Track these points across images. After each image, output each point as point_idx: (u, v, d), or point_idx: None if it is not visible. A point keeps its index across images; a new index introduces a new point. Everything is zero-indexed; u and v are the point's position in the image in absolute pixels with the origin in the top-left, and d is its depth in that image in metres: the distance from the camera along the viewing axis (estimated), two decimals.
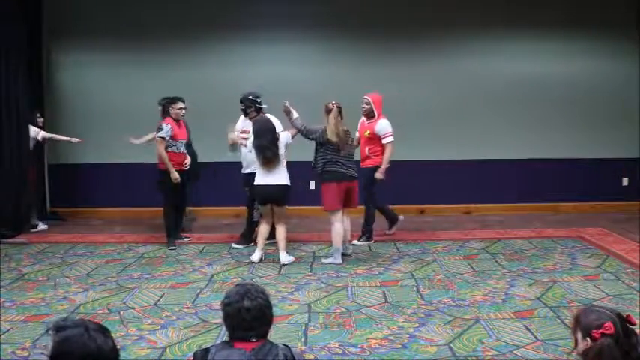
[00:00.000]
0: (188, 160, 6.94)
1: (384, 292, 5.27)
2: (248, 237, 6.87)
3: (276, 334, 4.21)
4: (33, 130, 7.74)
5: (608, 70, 8.72)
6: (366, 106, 6.74)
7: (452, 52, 8.67)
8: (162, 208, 6.98)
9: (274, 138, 6.15)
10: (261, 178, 6.19)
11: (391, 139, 6.72)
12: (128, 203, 8.49)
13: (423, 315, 4.71)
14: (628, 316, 2.22)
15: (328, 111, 6.17)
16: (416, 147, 8.60)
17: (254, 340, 2.29)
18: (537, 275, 5.70)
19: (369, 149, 6.71)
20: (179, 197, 6.97)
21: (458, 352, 4.02)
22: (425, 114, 8.64)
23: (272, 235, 6.53)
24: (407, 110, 8.50)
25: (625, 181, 8.92)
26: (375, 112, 6.71)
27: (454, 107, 8.67)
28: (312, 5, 8.52)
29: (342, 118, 6.24)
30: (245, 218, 7.03)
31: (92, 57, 8.66)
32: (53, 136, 7.94)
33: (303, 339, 4.28)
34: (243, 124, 6.74)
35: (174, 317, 4.74)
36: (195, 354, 2.34)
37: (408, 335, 4.31)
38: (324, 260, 6.26)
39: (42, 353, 3.92)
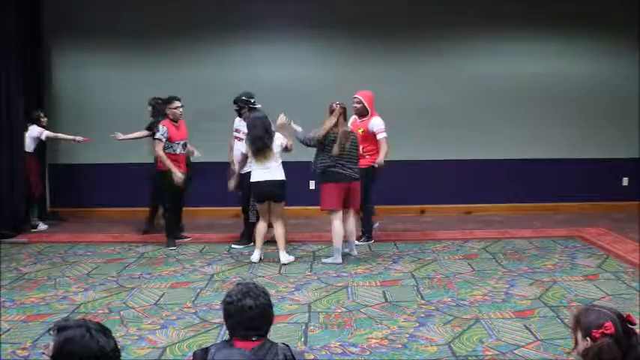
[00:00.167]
0: (194, 152, 6.96)
1: (384, 292, 5.27)
2: (247, 237, 6.87)
3: (276, 333, 4.20)
4: (36, 130, 7.74)
5: (608, 70, 8.72)
6: (358, 105, 6.75)
7: (452, 52, 8.66)
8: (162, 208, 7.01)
9: (267, 130, 6.16)
10: (258, 175, 6.19)
11: (385, 134, 6.70)
12: (128, 203, 8.48)
13: (423, 315, 4.71)
14: (628, 316, 2.22)
15: (331, 111, 6.20)
16: (416, 147, 8.60)
17: (254, 339, 2.29)
18: (537, 275, 5.70)
19: (364, 148, 6.68)
20: (178, 198, 6.97)
21: (458, 352, 4.02)
22: (425, 114, 8.64)
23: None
24: (407, 110, 8.51)
25: (625, 181, 8.91)
26: (368, 110, 6.71)
27: (454, 107, 8.67)
28: (312, 5, 8.51)
29: (345, 119, 6.25)
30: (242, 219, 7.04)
31: (92, 57, 8.66)
32: (57, 135, 7.95)
33: (303, 339, 4.28)
34: (239, 124, 6.76)
35: (175, 317, 4.74)
36: (195, 354, 2.34)
37: (408, 335, 4.31)
38: (324, 260, 6.26)
39: (43, 353, 3.93)
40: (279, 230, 6.27)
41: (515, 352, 4.00)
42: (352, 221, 6.40)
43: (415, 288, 5.38)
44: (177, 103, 6.81)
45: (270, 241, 6.55)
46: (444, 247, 6.83)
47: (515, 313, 4.72)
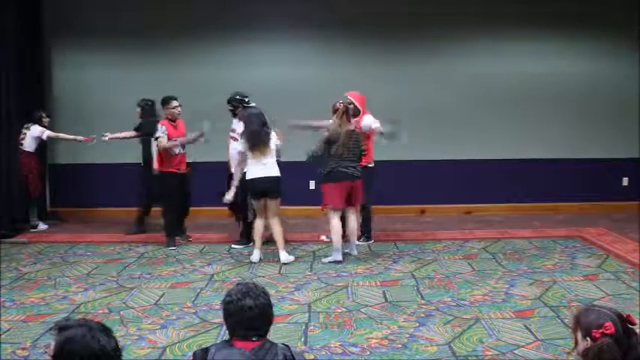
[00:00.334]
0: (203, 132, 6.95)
1: (384, 292, 5.27)
2: (247, 237, 6.87)
3: (276, 334, 4.20)
4: (38, 130, 7.75)
5: (608, 70, 8.72)
6: (350, 106, 6.75)
7: (452, 52, 8.67)
8: (162, 208, 7.01)
9: (263, 125, 6.17)
10: (254, 172, 6.19)
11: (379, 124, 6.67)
12: (128, 203, 8.47)
13: (423, 315, 4.71)
14: (628, 316, 2.22)
15: (335, 111, 6.21)
16: (416, 147, 8.60)
17: (254, 339, 2.29)
18: (537, 275, 5.70)
19: None
20: (179, 199, 6.97)
21: (458, 351, 4.03)
22: (425, 114, 8.64)
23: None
24: (407, 110, 8.50)
25: (625, 181, 8.91)
26: (360, 110, 6.72)
27: (454, 107, 8.67)
28: (312, 5, 8.51)
29: (348, 119, 6.26)
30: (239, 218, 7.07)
31: (92, 57, 8.66)
32: (59, 135, 7.96)
33: (303, 339, 4.28)
34: (235, 125, 6.75)
35: (175, 317, 4.74)
36: (194, 354, 2.34)
37: (408, 335, 4.31)
38: (324, 260, 6.26)
39: (44, 353, 3.93)
40: (276, 228, 6.28)
41: (515, 352, 4.00)
42: (354, 220, 6.41)
43: (415, 288, 5.38)
44: (174, 103, 6.82)
45: (270, 240, 6.54)
46: (444, 247, 6.83)
47: (515, 313, 4.72)
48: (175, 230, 7.04)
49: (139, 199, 7.66)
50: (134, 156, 7.97)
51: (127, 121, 7.83)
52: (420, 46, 8.63)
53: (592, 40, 8.72)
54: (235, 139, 6.64)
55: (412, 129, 8.53)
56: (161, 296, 5.25)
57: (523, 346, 4.08)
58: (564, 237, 7.17)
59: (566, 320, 4.45)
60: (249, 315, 2.29)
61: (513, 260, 6.22)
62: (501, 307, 4.85)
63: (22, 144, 7.71)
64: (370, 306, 4.94)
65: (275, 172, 6.23)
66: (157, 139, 6.73)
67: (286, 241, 6.46)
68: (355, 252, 6.41)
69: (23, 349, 4.12)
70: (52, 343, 1.94)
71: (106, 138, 7.53)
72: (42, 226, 7.90)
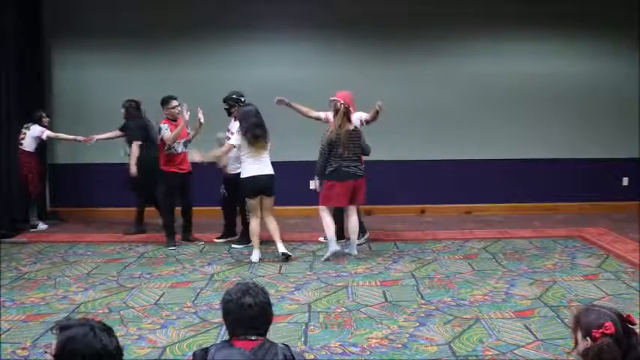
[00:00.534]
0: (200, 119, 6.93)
1: (384, 292, 5.27)
2: (247, 237, 6.86)
3: (276, 333, 4.21)
4: (38, 129, 7.75)
5: (608, 70, 8.71)
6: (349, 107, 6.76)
7: (452, 52, 8.66)
8: (162, 208, 7.02)
9: (260, 119, 6.18)
10: (250, 170, 6.19)
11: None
12: (128, 203, 8.47)
13: (423, 315, 4.71)
14: (628, 315, 2.22)
15: (336, 111, 6.24)
16: (416, 147, 8.60)
17: (253, 338, 2.30)
18: (537, 275, 5.70)
19: None
20: (180, 198, 6.98)
21: (458, 351, 4.03)
22: (425, 114, 8.64)
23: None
24: (407, 110, 8.51)
25: (625, 181, 8.91)
26: (351, 109, 6.71)
27: (454, 107, 8.66)
28: (312, 5, 8.51)
29: (349, 119, 6.27)
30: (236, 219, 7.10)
31: (92, 57, 8.66)
32: (58, 135, 7.97)
33: (303, 339, 4.28)
34: (233, 125, 6.73)
35: (175, 317, 4.74)
36: (194, 354, 2.34)
37: (408, 335, 4.31)
38: (323, 258, 6.27)
39: (45, 352, 3.92)
40: (272, 225, 6.31)
41: (515, 352, 4.00)
42: (356, 219, 6.42)
43: (415, 288, 5.38)
44: (174, 103, 6.83)
45: (268, 240, 6.55)
46: (444, 246, 6.83)
47: (515, 313, 4.72)
48: (174, 229, 7.03)
49: (137, 199, 7.68)
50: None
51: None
52: (420, 46, 8.63)
53: (592, 40, 8.72)
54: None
55: (412, 129, 8.55)
56: (161, 296, 5.25)
57: (523, 346, 4.08)
58: (564, 237, 7.17)
59: (566, 320, 4.45)
60: (248, 313, 2.30)
61: (513, 260, 6.22)
62: (501, 307, 4.85)
63: (21, 144, 7.72)
64: (370, 306, 4.94)
65: (270, 169, 6.28)
66: (161, 138, 6.76)
67: (285, 240, 6.46)
68: (355, 252, 6.42)
69: (23, 348, 4.13)
70: (54, 343, 1.94)
71: (93, 140, 7.70)
72: (42, 226, 7.90)
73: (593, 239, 6.96)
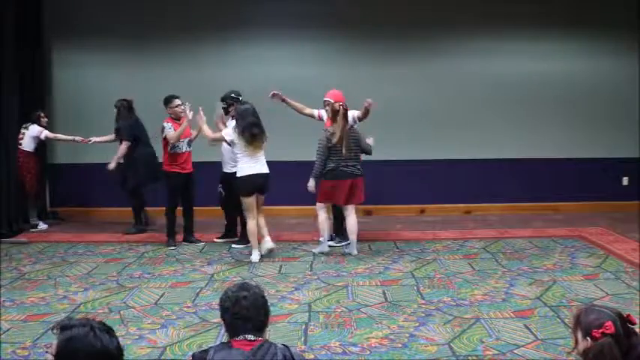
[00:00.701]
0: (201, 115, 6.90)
1: (384, 292, 5.27)
2: (246, 237, 6.86)
3: (276, 333, 4.21)
4: (36, 129, 7.76)
5: (608, 70, 8.71)
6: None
7: (452, 52, 8.66)
8: (163, 208, 7.02)
9: (257, 118, 6.20)
10: (247, 169, 6.20)
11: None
12: (128, 203, 8.47)
13: (423, 314, 4.71)
14: (628, 315, 2.22)
15: (334, 112, 6.27)
16: (416, 147, 8.60)
17: (252, 339, 2.29)
18: (537, 275, 5.70)
19: None
20: (182, 198, 6.97)
21: (458, 351, 4.03)
22: (425, 114, 8.64)
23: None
24: (407, 110, 8.51)
25: (625, 181, 8.91)
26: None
27: (454, 107, 8.66)
28: (312, 5, 8.51)
29: (346, 119, 6.29)
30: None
31: (92, 57, 8.66)
32: (57, 135, 7.98)
33: (303, 339, 4.28)
34: (231, 123, 6.72)
35: (175, 317, 4.74)
36: (193, 355, 2.34)
37: (408, 335, 4.31)
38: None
39: (45, 352, 3.92)
40: (262, 220, 6.37)
41: (515, 351, 4.00)
42: (355, 220, 6.43)
43: (415, 287, 5.38)
44: (177, 102, 6.84)
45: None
46: (444, 246, 6.83)
47: (515, 313, 4.72)
48: (174, 229, 7.02)
49: (131, 200, 7.69)
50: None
51: None
52: (420, 46, 8.63)
53: (592, 40, 8.72)
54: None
55: (412, 129, 8.55)
56: (161, 296, 5.25)
57: (523, 346, 4.08)
58: (564, 237, 7.17)
59: (566, 320, 4.45)
60: (244, 304, 2.31)
61: (513, 260, 6.22)
62: (501, 307, 4.85)
63: (20, 144, 7.72)
64: (370, 306, 4.94)
65: (266, 168, 6.32)
66: (164, 137, 6.77)
67: (285, 240, 6.52)
68: (355, 252, 6.42)
69: (23, 348, 4.13)
70: (54, 343, 1.94)
71: (91, 142, 7.76)
72: (42, 226, 7.90)
73: (593, 239, 6.96)
